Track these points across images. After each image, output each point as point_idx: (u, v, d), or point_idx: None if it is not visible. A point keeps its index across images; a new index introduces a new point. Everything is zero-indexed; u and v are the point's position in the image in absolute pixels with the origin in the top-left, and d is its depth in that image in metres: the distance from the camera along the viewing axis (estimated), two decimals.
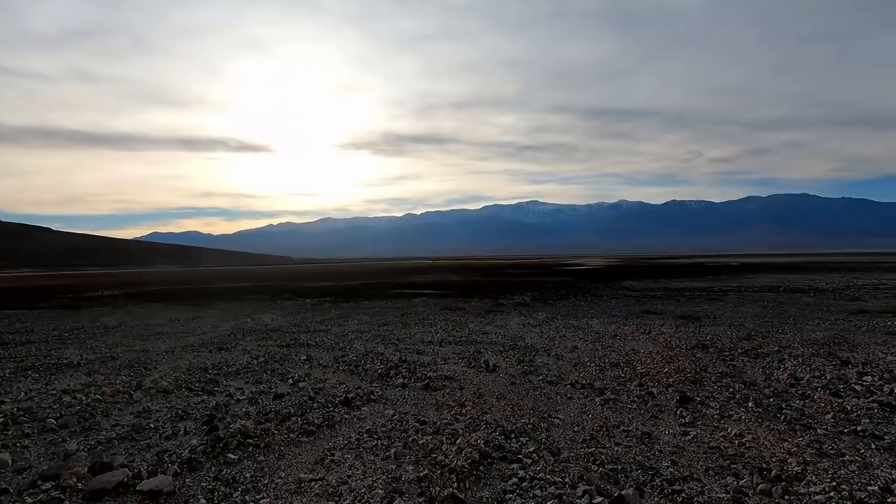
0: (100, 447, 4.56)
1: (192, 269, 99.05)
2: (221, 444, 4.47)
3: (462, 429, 4.93)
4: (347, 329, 12.35)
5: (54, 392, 6.45)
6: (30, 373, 7.83)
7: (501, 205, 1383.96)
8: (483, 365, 7.96)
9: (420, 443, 4.55)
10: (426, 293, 24.13)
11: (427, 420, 5.25)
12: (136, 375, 7.49)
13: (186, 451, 4.37)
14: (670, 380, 6.83)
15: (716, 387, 6.49)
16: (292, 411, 5.61)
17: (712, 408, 5.61)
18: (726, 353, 8.58)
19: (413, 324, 13.11)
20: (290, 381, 7.13)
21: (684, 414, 5.36)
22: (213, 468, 4.08)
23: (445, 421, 5.23)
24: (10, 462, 4.13)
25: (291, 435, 4.86)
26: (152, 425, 5.15)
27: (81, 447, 4.55)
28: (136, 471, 3.91)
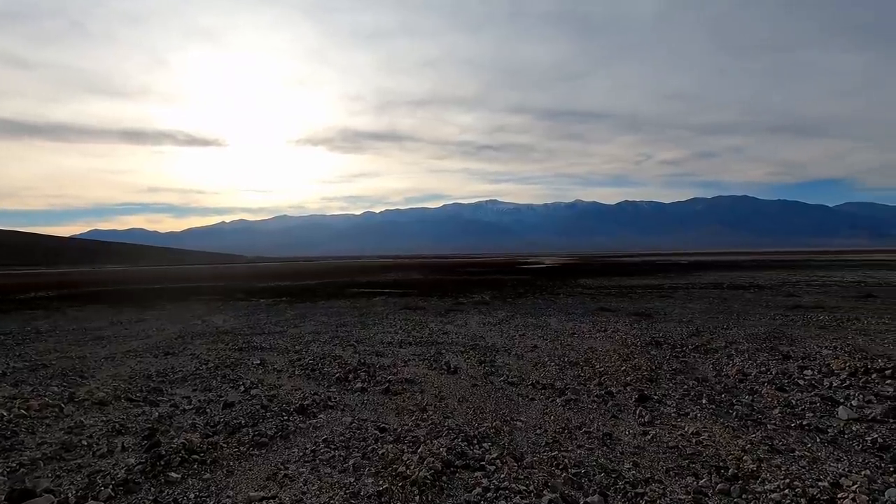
0: (22, 470, 4.09)
1: (137, 269, 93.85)
2: (163, 462, 4.11)
3: (423, 435, 4.79)
4: (304, 330, 11.93)
5: None
6: None
7: (461, 204, 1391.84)
8: (444, 366, 7.84)
9: (380, 452, 4.37)
10: (385, 292, 23.80)
11: (387, 427, 5.07)
12: (70, 385, 6.89)
13: (122, 470, 4.00)
14: (628, 378, 6.94)
15: (671, 384, 6.65)
16: (243, 421, 5.29)
17: (669, 406, 5.73)
18: (678, 350, 8.85)
19: (372, 324, 12.84)
20: (242, 387, 6.76)
21: (643, 413, 5.43)
22: (153, 489, 3.74)
23: (406, 427, 5.07)
24: None
25: (242, 448, 4.56)
26: (85, 442, 4.70)
27: (0, 471, 4.08)
28: (62, 496, 3.52)
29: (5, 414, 5.46)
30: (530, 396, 6.24)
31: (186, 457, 4.24)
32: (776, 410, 5.46)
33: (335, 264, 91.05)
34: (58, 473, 4.05)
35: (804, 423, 5.04)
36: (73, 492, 3.65)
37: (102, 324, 13.84)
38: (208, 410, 5.75)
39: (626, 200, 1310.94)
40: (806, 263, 51.76)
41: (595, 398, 6.08)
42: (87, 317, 15.74)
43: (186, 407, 5.89)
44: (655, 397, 6.06)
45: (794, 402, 5.75)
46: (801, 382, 6.57)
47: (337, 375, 7.30)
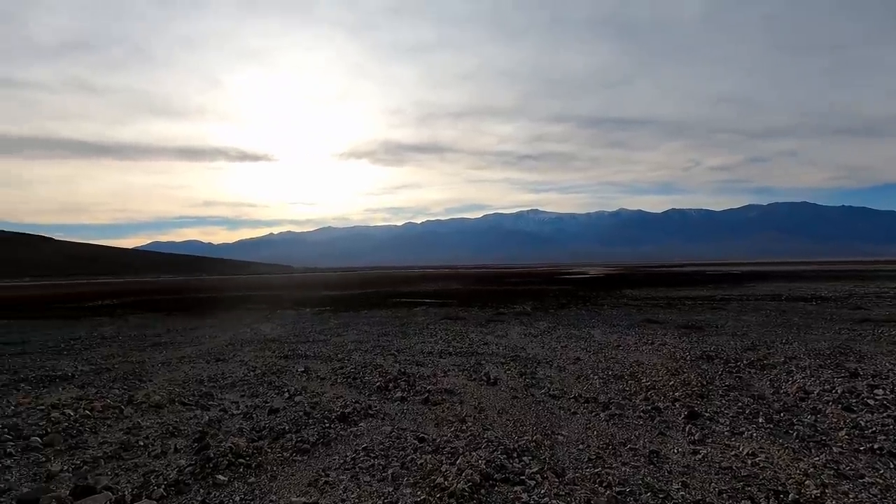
0: (85, 467, 4.37)
1: (193, 278, 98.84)
2: (211, 465, 4.28)
3: (462, 447, 4.75)
4: (346, 339, 12.16)
5: (43, 407, 6.25)
6: (22, 385, 7.64)
7: (502, 213, 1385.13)
8: (484, 377, 7.77)
9: (419, 462, 4.36)
10: (426, 302, 23.93)
11: (426, 437, 5.07)
12: (129, 388, 7.31)
13: (174, 471, 4.19)
14: (676, 393, 6.63)
15: (724, 401, 6.30)
16: (287, 427, 5.42)
17: (722, 424, 5.42)
18: (732, 365, 8.39)
19: (413, 334, 12.92)
20: (287, 394, 6.94)
21: (693, 431, 5.17)
22: (202, 491, 3.90)
23: (445, 438, 5.05)
24: None
25: (285, 453, 4.68)
26: (141, 443, 4.97)
27: (66, 467, 4.36)
28: (119, 494, 3.72)
29: (72, 414, 5.85)
30: (572, 410, 6.07)
31: (233, 460, 4.39)
32: (843, 432, 5.06)
33: (377, 274, 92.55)
34: (116, 472, 4.28)
35: (875, 446, 4.64)
36: (130, 490, 3.85)
37: (160, 331, 14.64)
38: (255, 416, 5.93)
39: (674, 208, 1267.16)
40: (875, 273, 48.03)
41: (641, 413, 5.84)
42: (147, 324, 16.70)
43: (235, 412, 6.11)
44: (707, 414, 5.75)
45: (863, 423, 5.31)
46: (872, 402, 6.05)
47: (378, 384, 7.38)
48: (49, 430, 5.32)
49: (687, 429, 5.26)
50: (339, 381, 7.76)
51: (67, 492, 3.74)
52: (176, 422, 5.67)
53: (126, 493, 3.77)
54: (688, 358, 9.02)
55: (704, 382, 7.18)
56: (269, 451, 4.70)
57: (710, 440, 4.94)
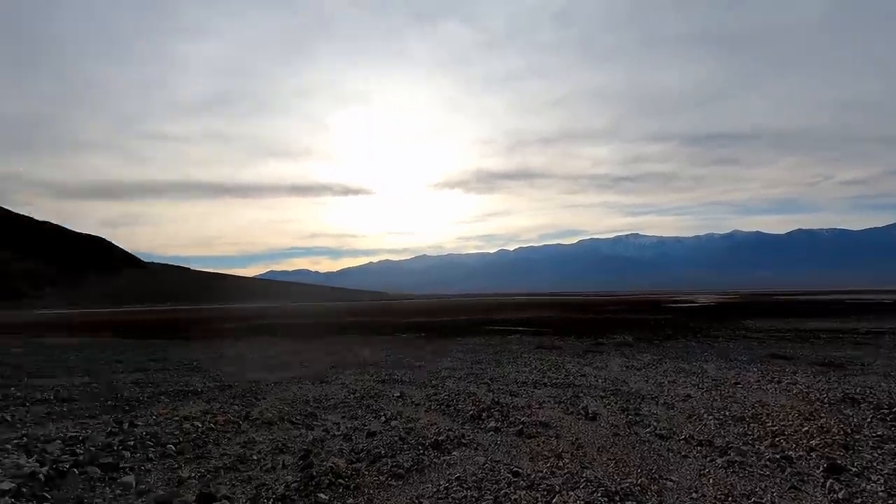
0: (208, 475, 4.82)
1: (302, 304, 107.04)
2: (314, 483, 4.50)
3: (559, 485, 4.50)
4: (441, 366, 12.28)
5: (177, 418, 7.06)
6: (162, 398, 8.71)
7: (598, 239, 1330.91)
8: (582, 411, 7.37)
9: (512, 498, 4.21)
10: (520, 330, 23.49)
11: (520, 471, 4.89)
12: (246, 405, 8.00)
13: (281, 486, 4.46)
14: (812, 442, 5.74)
15: (875, 454, 5.32)
16: (383, 451, 5.55)
17: (874, 482, 4.56)
18: (885, 411, 7.09)
19: (506, 362, 12.70)
20: (383, 418, 7.14)
21: (836, 487, 4.41)
22: None
23: (540, 474, 4.83)
24: (133, 485, 4.50)
25: (381, 477, 4.78)
26: (255, 457, 5.38)
27: (193, 474, 4.85)
28: None
29: (200, 426, 6.53)
30: (683, 453, 5.51)
31: (333, 480, 4.58)
32: None
33: (471, 302, 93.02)
34: (233, 482, 4.67)
35: None
36: (244, 500, 4.17)
37: (274, 352, 15.95)
38: (354, 437, 6.16)
39: (800, 229, 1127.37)
40: None
41: (767, 462, 5.13)
42: (263, 346, 18.31)
43: (336, 433, 6.40)
44: (853, 469, 4.89)
45: None
46: None
47: (471, 413, 7.31)
48: (181, 439, 5.97)
49: (828, 484, 4.50)
50: (433, 407, 7.83)
51: (193, 497, 4.16)
52: (284, 439, 6.07)
53: (241, 503, 4.08)
54: (825, 400, 7.81)
55: (849, 431, 6.14)
56: (367, 473, 4.84)
57: (858, 500, 4.18)
